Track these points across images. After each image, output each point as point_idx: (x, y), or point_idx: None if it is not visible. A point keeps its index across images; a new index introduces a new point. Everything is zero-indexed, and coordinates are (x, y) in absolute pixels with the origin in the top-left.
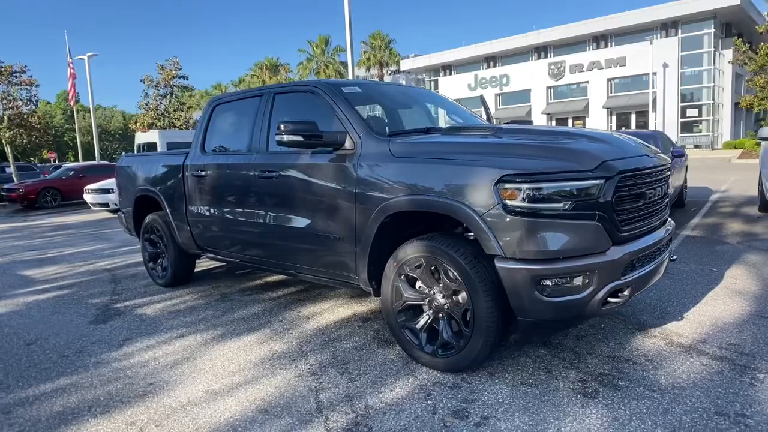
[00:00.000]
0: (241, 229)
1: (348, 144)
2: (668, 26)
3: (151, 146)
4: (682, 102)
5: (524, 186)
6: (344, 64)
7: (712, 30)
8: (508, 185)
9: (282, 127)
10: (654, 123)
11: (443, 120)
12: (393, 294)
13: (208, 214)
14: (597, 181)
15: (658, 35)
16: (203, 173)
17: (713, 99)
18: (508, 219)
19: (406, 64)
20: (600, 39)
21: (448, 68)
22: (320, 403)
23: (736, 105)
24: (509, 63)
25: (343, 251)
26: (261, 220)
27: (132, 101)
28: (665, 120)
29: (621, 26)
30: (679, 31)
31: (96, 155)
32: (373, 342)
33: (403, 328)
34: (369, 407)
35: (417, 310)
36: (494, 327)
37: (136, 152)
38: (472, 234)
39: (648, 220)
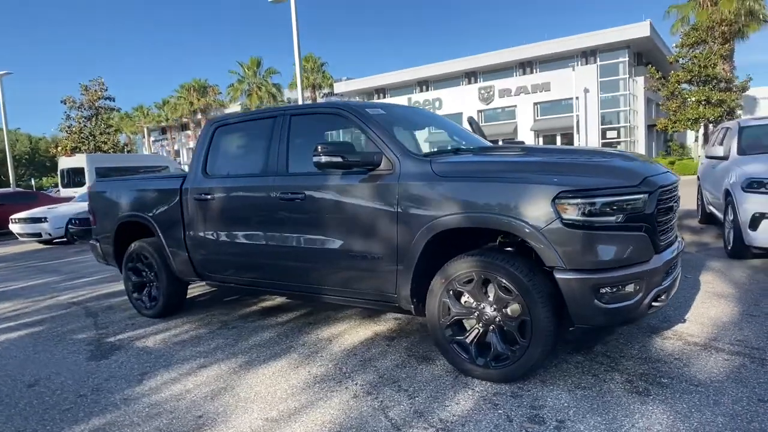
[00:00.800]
0: (254, 253)
1: (384, 165)
2: (588, 54)
3: (77, 171)
4: (602, 124)
5: (580, 201)
6: (277, 86)
7: (626, 59)
8: (564, 201)
9: (320, 148)
10: (578, 144)
11: (447, 140)
12: (440, 310)
13: (213, 238)
14: (643, 196)
15: (579, 62)
16: (209, 196)
17: (629, 121)
18: (566, 232)
19: (339, 87)
20: (526, 65)
21: (381, 91)
22: (393, 421)
23: (648, 127)
24: (441, 87)
25: (381, 270)
26: (281, 243)
27: (39, 123)
28: (588, 141)
29: (545, 54)
30: (597, 59)
31: (11, 181)
32: (411, 359)
33: (451, 342)
34: (444, 421)
35: (461, 325)
36: (551, 335)
37: (60, 179)
38: (511, 248)
39: (672, 231)
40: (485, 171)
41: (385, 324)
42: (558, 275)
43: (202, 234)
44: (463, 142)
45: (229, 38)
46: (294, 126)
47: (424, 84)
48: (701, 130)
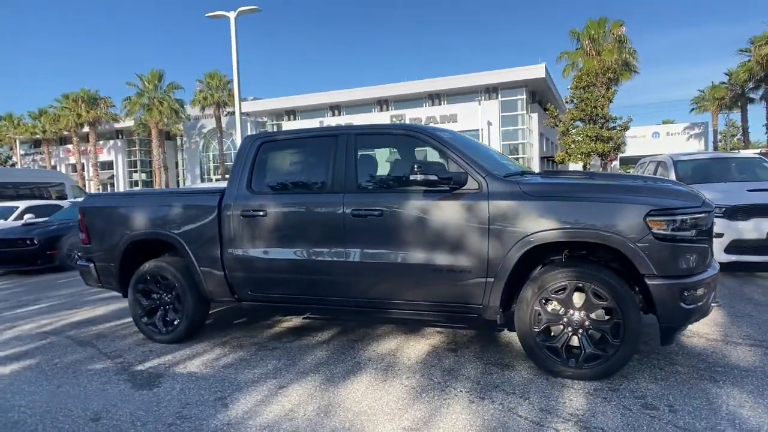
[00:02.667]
0: (316, 269)
1: (471, 184)
2: (491, 90)
3: None
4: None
5: (667, 218)
6: (180, 101)
7: (524, 96)
8: (655, 218)
9: (416, 168)
10: None
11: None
12: (532, 317)
13: (265, 256)
14: (706, 214)
15: (483, 97)
16: (260, 213)
17: (526, 153)
18: (656, 244)
19: (246, 107)
20: (434, 97)
21: (292, 113)
22: (528, 419)
23: (541, 159)
24: (353, 113)
25: (468, 282)
26: (350, 259)
27: None
28: None
29: (452, 87)
30: (499, 95)
31: None
32: (490, 366)
33: (543, 347)
34: (574, 414)
35: (549, 331)
36: (639, 336)
37: None
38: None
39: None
40: (576, 191)
41: (433, 337)
42: (650, 281)
43: (248, 252)
44: (510, 166)
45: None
46: (360, 144)
47: (336, 108)
48: (592, 162)
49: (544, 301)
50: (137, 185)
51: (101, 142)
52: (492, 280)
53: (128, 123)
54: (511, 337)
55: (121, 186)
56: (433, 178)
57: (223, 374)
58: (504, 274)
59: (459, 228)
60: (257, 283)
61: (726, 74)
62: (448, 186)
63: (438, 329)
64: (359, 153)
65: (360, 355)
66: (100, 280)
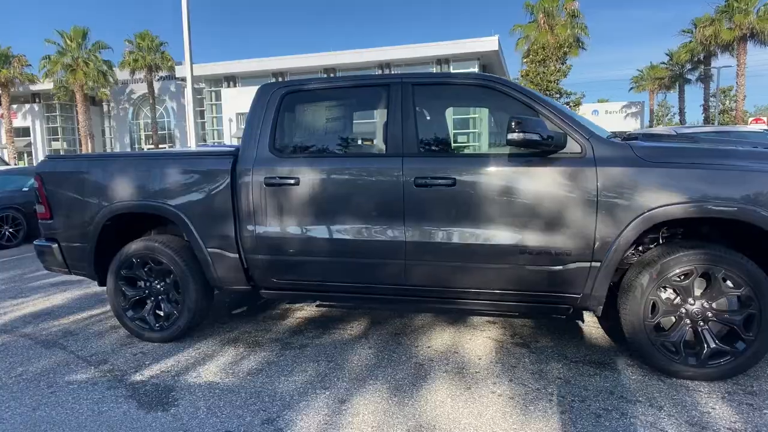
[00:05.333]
0: (366, 253)
1: (572, 147)
2: (442, 62)
3: None
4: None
5: None
6: (108, 62)
7: (476, 69)
8: None
9: (514, 124)
10: None
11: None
12: (645, 308)
13: (296, 235)
14: None
15: (435, 68)
16: (290, 181)
17: (476, 127)
18: None
19: (181, 71)
20: (385, 66)
21: (231, 79)
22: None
23: (491, 134)
24: None
25: (567, 268)
26: (415, 239)
27: None
28: None
29: (403, 57)
30: (451, 67)
31: None
32: (582, 366)
33: (657, 343)
34: (733, 429)
35: (659, 324)
36: None
37: None
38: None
39: None
40: (706, 156)
41: (487, 328)
42: None
43: (274, 229)
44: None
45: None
46: (419, 97)
47: (280, 75)
48: None
49: (661, 289)
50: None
51: (15, 106)
52: (598, 264)
53: (47, 85)
54: (582, 328)
55: (40, 155)
56: (535, 137)
57: (255, 384)
58: (616, 257)
59: (556, 201)
60: (286, 269)
61: (667, 54)
62: (547, 149)
63: (488, 318)
64: (418, 108)
65: (416, 354)
66: (66, 265)
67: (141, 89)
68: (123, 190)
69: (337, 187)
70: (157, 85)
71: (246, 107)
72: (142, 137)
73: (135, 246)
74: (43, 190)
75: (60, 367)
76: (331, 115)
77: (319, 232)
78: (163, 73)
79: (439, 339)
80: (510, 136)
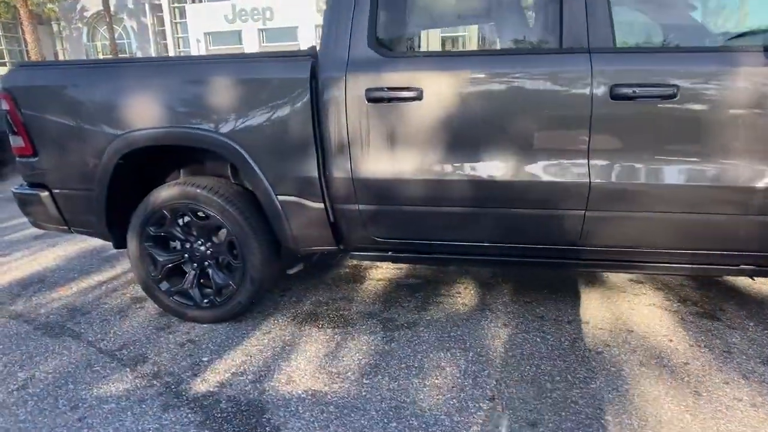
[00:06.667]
0: (520, 198)
1: None
2: None
3: None
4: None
5: None
6: None
7: None
8: None
9: None
10: None
11: None
12: None
13: (419, 173)
14: None
15: None
16: (406, 93)
17: None
18: None
19: None
20: None
21: None
22: None
23: None
24: None
25: None
26: (602, 178)
27: None
28: None
29: None
30: None
31: None
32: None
33: None
34: None
35: None
36: None
37: None
38: None
39: None
40: None
41: (646, 293)
42: None
43: (381, 167)
44: None
45: None
46: None
47: None
48: None
49: None
50: None
51: None
52: None
53: None
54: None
55: None
56: None
57: (381, 394)
58: None
59: None
60: (398, 224)
61: None
62: None
63: (622, 275)
64: None
65: (575, 335)
66: (64, 220)
67: (95, 5)
68: (144, 112)
69: (483, 103)
70: (112, 1)
71: (216, 25)
72: None
73: (166, 193)
74: (18, 114)
75: (80, 370)
76: None
77: (453, 170)
78: None
79: (591, 310)
80: None
